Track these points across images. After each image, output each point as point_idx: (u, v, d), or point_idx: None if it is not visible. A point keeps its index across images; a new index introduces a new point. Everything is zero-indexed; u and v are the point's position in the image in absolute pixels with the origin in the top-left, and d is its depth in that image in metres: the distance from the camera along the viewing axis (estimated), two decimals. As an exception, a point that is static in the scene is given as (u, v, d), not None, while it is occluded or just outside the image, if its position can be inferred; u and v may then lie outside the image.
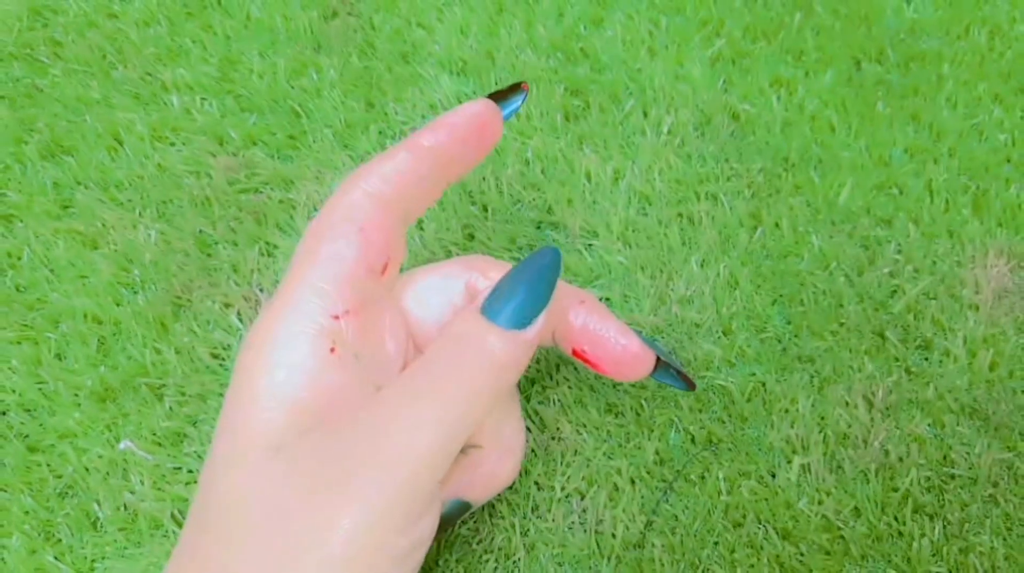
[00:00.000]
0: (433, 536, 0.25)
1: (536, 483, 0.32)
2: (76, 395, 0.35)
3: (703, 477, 0.32)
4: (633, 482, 0.32)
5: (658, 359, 0.29)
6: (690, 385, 0.30)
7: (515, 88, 0.29)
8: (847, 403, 0.34)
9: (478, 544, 0.31)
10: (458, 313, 0.26)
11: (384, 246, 0.27)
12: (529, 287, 0.25)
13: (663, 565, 0.30)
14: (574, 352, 0.29)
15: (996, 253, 0.37)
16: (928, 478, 0.32)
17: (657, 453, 0.33)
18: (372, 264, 0.26)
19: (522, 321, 0.25)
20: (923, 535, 0.31)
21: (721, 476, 0.32)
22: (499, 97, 0.29)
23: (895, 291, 0.36)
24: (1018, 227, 0.38)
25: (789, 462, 0.32)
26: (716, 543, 0.31)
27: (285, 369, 0.24)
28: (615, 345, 0.28)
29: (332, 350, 0.25)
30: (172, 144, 0.42)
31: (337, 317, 0.25)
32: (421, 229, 0.39)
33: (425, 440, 0.23)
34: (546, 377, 0.35)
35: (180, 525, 0.32)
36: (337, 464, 0.23)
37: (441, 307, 0.28)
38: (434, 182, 0.28)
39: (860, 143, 0.40)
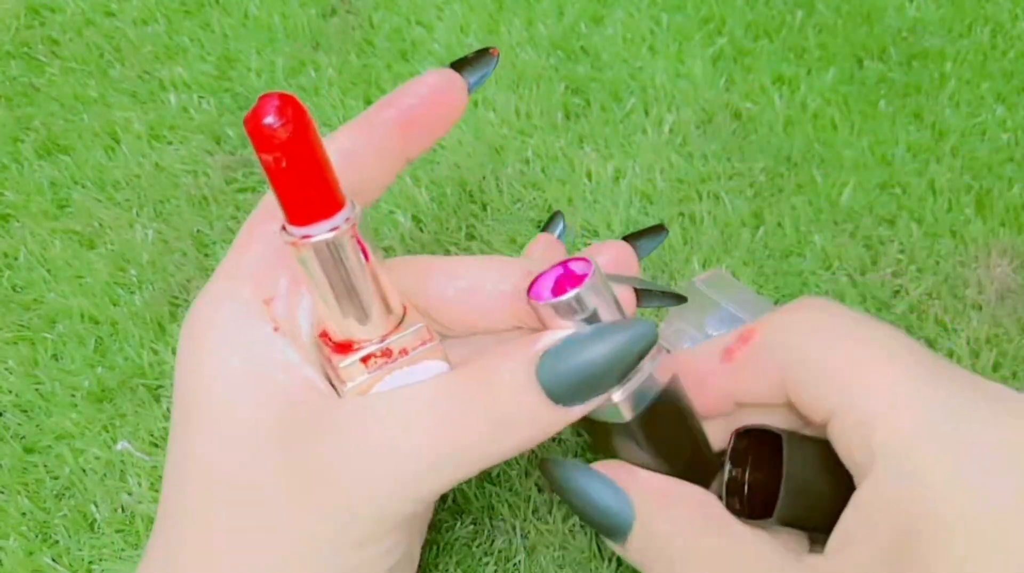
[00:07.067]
0: (400, 550, 0.23)
1: (537, 485, 0.32)
2: (73, 396, 0.34)
3: (705, 479, 0.32)
4: (634, 484, 0.32)
5: (638, 291, 0.26)
6: (679, 298, 0.27)
7: (483, 53, 0.26)
8: (849, 404, 0.33)
9: (478, 547, 0.31)
10: (510, 350, 0.23)
11: None
12: (606, 363, 0.22)
13: (664, 567, 0.30)
14: None
15: (999, 253, 0.37)
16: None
17: (658, 454, 0.32)
18: None
19: (577, 398, 0.22)
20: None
21: (723, 478, 0.32)
22: (465, 64, 0.26)
23: (898, 291, 0.36)
24: (1021, 227, 0.37)
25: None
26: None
27: (231, 347, 0.23)
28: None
29: (275, 329, 0.23)
30: (169, 143, 0.41)
31: (268, 301, 0.23)
32: (420, 229, 0.38)
33: (401, 479, 0.22)
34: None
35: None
36: (308, 464, 0.22)
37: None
38: (390, 161, 0.25)
39: (863, 142, 0.40)
